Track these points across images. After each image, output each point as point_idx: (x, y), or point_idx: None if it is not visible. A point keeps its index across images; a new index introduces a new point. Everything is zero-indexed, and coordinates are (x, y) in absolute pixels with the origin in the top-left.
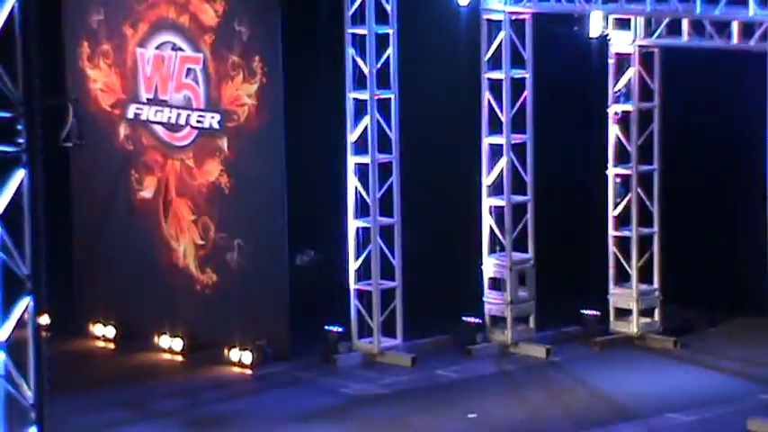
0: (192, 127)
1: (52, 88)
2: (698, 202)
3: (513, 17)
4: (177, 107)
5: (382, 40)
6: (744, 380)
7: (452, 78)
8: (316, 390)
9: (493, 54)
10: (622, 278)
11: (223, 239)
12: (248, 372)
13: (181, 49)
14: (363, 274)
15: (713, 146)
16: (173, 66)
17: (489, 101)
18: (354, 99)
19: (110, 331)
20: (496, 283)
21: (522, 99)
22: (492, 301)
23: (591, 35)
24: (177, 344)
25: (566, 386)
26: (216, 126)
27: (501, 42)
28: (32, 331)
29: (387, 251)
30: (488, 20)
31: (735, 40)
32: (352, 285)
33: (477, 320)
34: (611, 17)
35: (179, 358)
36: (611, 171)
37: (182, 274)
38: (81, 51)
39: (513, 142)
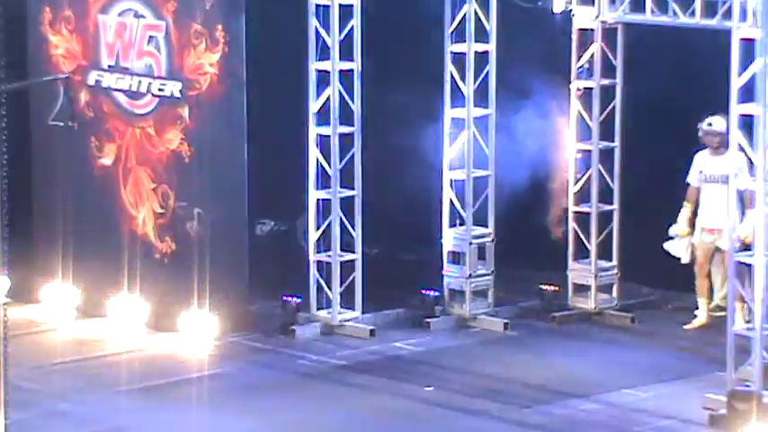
0: (154, 95)
1: (13, 54)
2: (657, 180)
3: None
4: (139, 75)
5: (345, 12)
6: (700, 357)
7: (416, 51)
8: (273, 360)
9: (456, 27)
10: (581, 254)
11: (182, 208)
12: (206, 341)
13: (143, 17)
14: (323, 245)
15: (674, 124)
16: (134, 33)
17: (452, 74)
18: (317, 70)
19: (68, 297)
20: (456, 257)
21: (484, 73)
22: (451, 275)
23: (555, 10)
24: (136, 312)
25: (523, 360)
26: (177, 94)
27: (465, 15)
28: None
29: (347, 223)
30: None
31: (698, 17)
32: (312, 256)
33: (436, 294)
34: None
35: (137, 326)
36: (573, 147)
37: (141, 242)
38: (43, 17)
39: (474, 116)
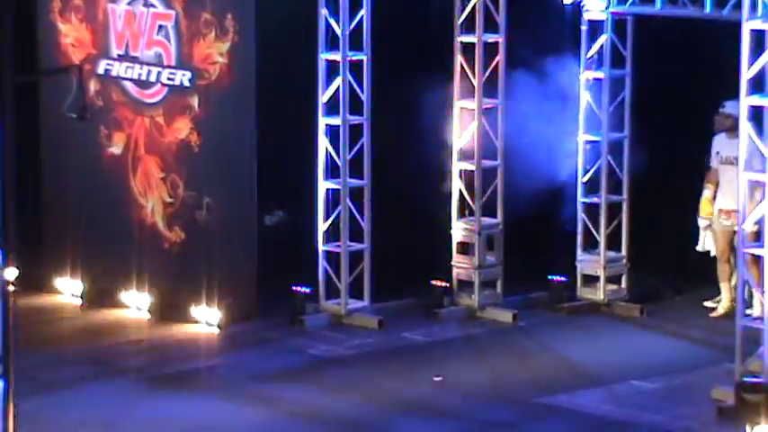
0: (163, 84)
1: (23, 42)
2: (667, 171)
3: None
4: (148, 64)
5: (355, 1)
6: (709, 348)
7: (426, 41)
8: (282, 350)
9: (466, 17)
10: (590, 245)
11: (191, 197)
12: (215, 331)
13: (153, 6)
14: (332, 235)
15: (683, 114)
16: (144, 22)
17: (462, 65)
18: (326, 60)
19: (77, 287)
20: (464, 248)
21: (494, 64)
22: (460, 266)
23: (565, 1)
24: (144, 301)
25: (531, 351)
26: (186, 84)
27: (474, 5)
28: (0, 284)
29: (356, 213)
30: None
31: (708, 8)
32: (321, 247)
33: (444, 284)
34: None
35: (146, 315)
36: (582, 138)
37: (150, 232)
38: (53, 5)
39: (484, 107)
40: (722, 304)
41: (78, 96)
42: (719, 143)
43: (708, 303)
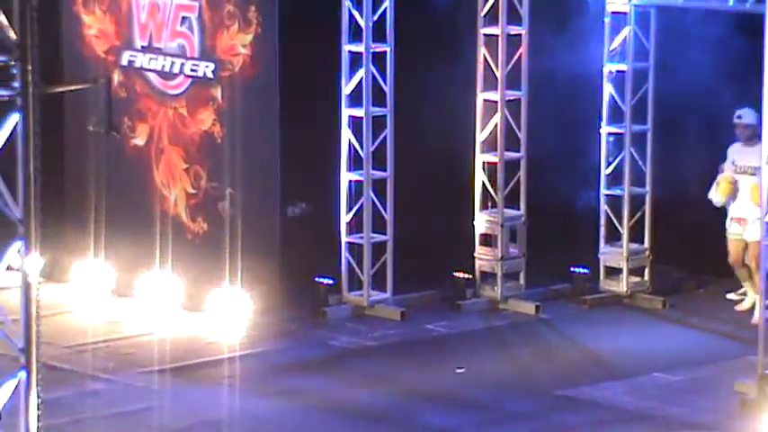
0: (186, 75)
1: (47, 33)
2: (689, 163)
3: None
4: (171, 55)
5: None
6: (732, 341)
7: (449, 33)
8: (305, 341)
9: (489, 9)
10: (613, 237)
11: (214, 189)
12: (237, 322)
13: None
14: (355, 227)
15: (707, 107)
16: (167, 13)
17: (485, 56)
18: (350, 51)
19: (100, 278)
20: (487, 240)
21: (517, 55)
22: (482, 257)
23: None
24: (167, 292)
25: (554, 343)
26: (210, 75)
27: None
28: (23, 276)
29: (379, 205)
30: None
31: (731, 1)
32: (344, 238)
33: (467, 276)
34: None
35: (168, 306)
36: (605, 130)
37: (173, 223)
38: None
39: (507, 98)
40: (748, 299)
41: (105, 111)
42: (735, 152)
43: (731, 296)
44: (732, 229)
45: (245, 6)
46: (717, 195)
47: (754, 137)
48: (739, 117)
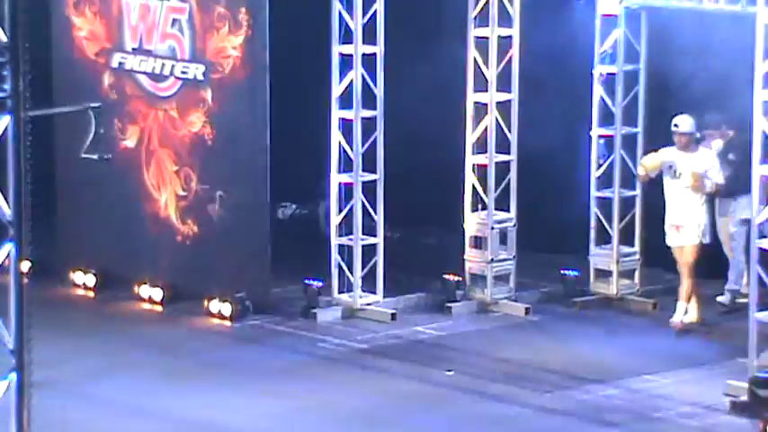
0: (177, 78)
1: (37, 35)
2: None
3: None
4: (162, 57)
5: None
6: (722, 343)
7: (439, 35)
8: (295, 343)
9: (479, 11)
10: (603, 239)
11: (204, 191)
12: (227, 323)
13: None
14: (345, 229)
15: (697, 109)
16: (158, 15)
17: (475, 58)
18: (340, 53)
19: (90, 279)
20: (478, 242)
21: (507, 58)
22: (473, 260)
23: None
24: (157, 294)
25: (544, 345)
26: (200, 77)
27: (488, 0)
28: (14, 277)
29: (369, 207)
30: None
31: (722, 2)
32: (334, 240)
33: (457, 278)
34: None
35: (158, 308)
36: (595, 132)
37: (163, 225)
38: None
39: (497, 101)
40: (677, 314)
41: (97, 137)
42: (673, 155)
43: (720, 299)
44: (671, 240)
45: (235, 8)
46: (645, 165)
47: (690, 144)
48: (676, 126)
